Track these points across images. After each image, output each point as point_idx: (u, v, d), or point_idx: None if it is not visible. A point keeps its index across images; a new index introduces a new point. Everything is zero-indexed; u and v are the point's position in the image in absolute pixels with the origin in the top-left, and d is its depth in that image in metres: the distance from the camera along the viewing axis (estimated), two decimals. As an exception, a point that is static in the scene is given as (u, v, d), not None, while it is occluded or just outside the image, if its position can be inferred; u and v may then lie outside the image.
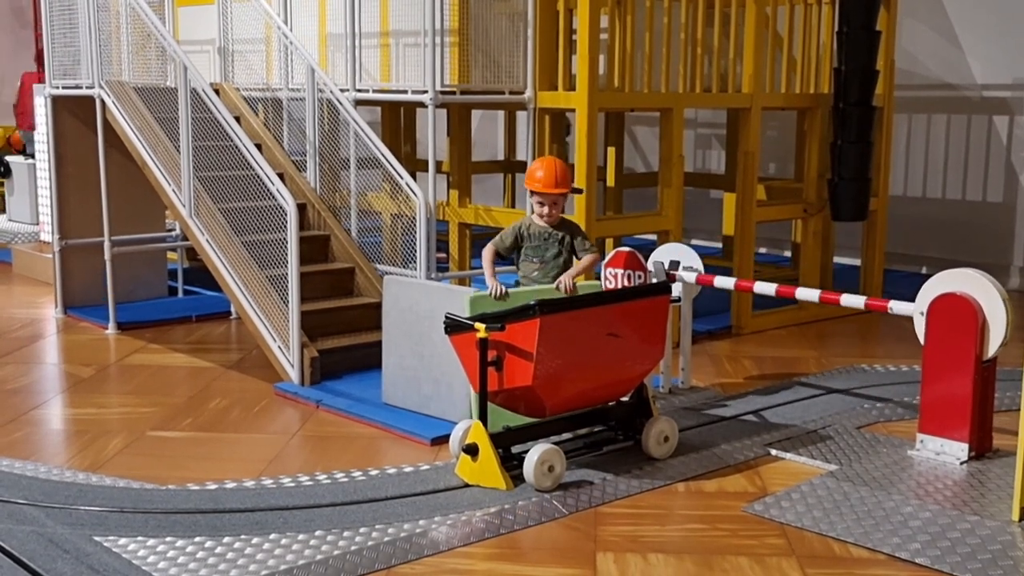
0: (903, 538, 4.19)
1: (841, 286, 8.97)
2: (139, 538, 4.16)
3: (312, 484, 4.78)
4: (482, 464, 4.70)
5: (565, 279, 5.32)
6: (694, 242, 11.15)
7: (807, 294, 5.80)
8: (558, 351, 4.62)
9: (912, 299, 5.22)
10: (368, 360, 6.59)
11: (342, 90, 7.37)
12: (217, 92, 7.48)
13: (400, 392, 5.80)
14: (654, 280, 6.02)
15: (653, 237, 7.85)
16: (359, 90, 7.53)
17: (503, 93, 7.28)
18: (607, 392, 5.05)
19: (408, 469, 4.97)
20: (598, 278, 5.99)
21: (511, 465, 4.76)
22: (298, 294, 6.28)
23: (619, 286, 5.99)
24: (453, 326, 4.82)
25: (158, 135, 7.37)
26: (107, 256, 7.79)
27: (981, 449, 5.04)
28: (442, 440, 5.27)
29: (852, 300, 5.50)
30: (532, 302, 4.61)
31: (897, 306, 5.26)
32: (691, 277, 6.02)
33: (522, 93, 7.28)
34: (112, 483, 4.78)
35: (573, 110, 7.00)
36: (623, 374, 4.98)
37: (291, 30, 7.84)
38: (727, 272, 8.07)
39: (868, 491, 4.65)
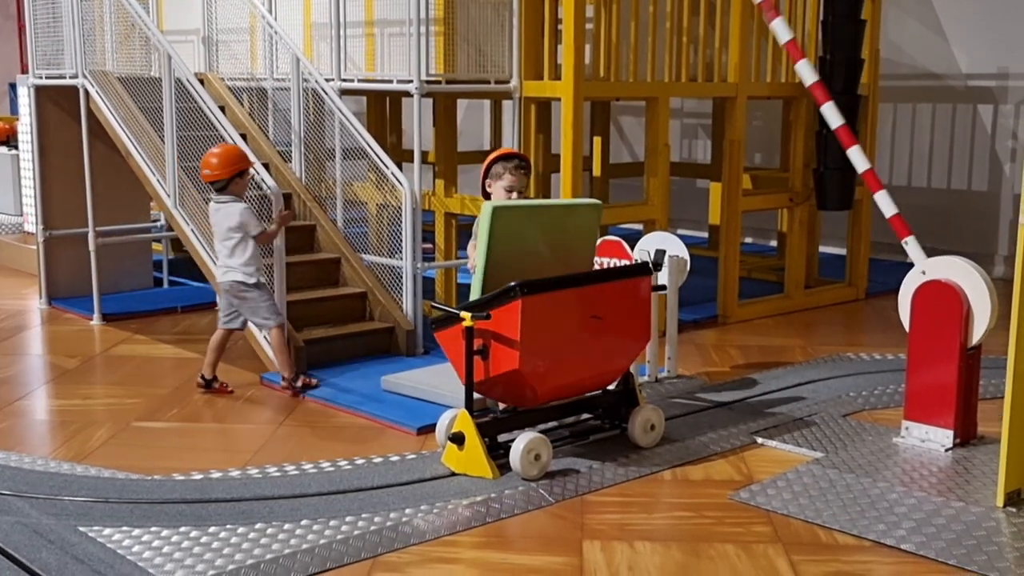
0: (889, 525, 4.21)
1: (827, 275, 9.03)
2: (124, 528, 4.15)
3: (298, 473, 4.77)
4: (468, 453, 4.69)
5: None
6: (680, 231, 11.15)
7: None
8: (542, 333, 4.61)
9: (896, 288, 5.24)
10: (353, 350, 6.59)
11: (327, 80, 7.34)
12: (202, 82, 7.45)
13: None
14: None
15: (639, 227, 7.86)
16: (344, 80, 7.50)
17: (489, 83, 7.26)
18: (595, 379, 5.04)
19: (394, 458, 4.97)
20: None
21: (497, 454, 4.76)
22: (283, 284, 6.26)
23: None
24: (440, 321, 4.82)
25: (142, 125, 7.34)
26: (92, 247, 7.75)
27: (966, 436, 5.05)
28: (428, 429, 5.27)
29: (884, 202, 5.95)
30: (513, 283, 4.59)
31: (912, 243, 5.58)
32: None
33: (508, 82, 7.27)
34: (97, 473, 4.76)
35: (559, 99, 6.99)
36: (610, 358, 4.98)
37: (276, 19, 7.80)
38: (713, 263, 8.12)
39: (854, 478, 4.66)
